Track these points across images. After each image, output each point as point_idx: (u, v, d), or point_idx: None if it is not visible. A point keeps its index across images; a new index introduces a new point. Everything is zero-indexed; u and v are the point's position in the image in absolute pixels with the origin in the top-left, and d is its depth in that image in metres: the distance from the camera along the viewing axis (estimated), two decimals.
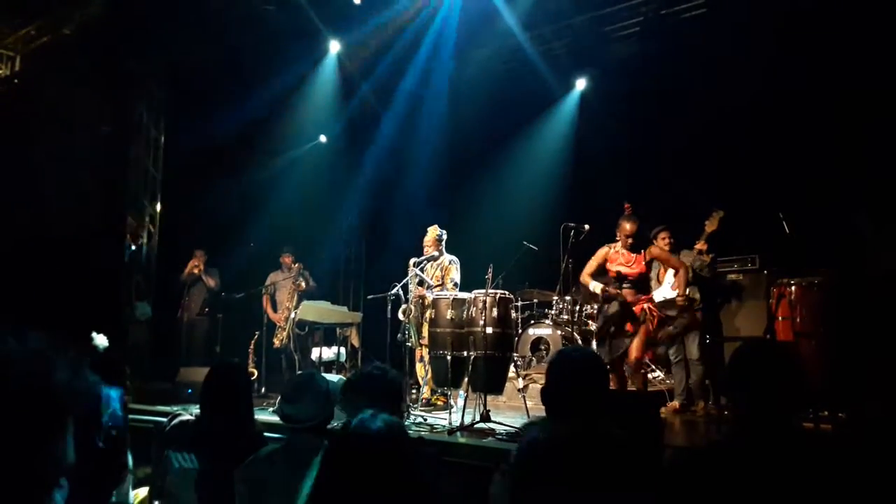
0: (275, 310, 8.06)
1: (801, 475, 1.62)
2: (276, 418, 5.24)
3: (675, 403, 6.22)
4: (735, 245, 6.58)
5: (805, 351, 4.75)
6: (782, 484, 1.61)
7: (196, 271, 8.39)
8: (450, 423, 4.97)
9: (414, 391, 6.37)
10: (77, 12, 7.23)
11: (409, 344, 6.07)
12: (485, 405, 5.04)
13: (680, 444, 4.53)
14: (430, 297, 5.99)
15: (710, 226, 6.20)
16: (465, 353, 5.40)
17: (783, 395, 1.76)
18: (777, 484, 1.61)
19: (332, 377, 5.20)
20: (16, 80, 7.24)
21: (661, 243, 6.24)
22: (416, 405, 6.03)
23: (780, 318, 4.92)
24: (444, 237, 6.44)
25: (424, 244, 6.39)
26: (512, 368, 6.15)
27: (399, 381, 2.44)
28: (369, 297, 6.64)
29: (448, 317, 5.50)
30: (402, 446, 1.51)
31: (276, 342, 7.63)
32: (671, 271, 5.99)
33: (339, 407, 2.59)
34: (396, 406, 2.39)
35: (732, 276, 6.53)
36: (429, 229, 6.46)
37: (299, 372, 6.05)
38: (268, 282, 8.17)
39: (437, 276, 6.30)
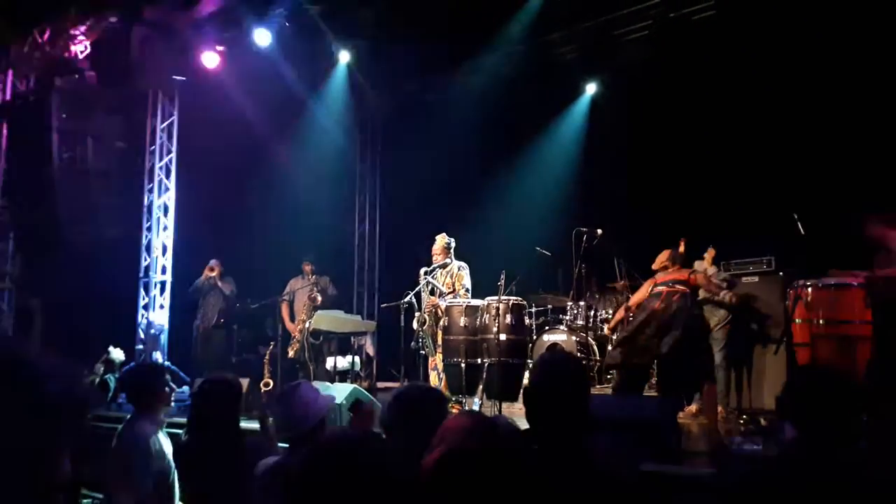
0: (292, 318, 8.02)
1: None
2: None
3: (693, 408, 6.16)
4: (750, 247, 6.53)
5: (823, 354, 4.68)
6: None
7: (212, 274, 8.34)
8: None
9: None
10: (90, 29, 7.33)
11: (424, 352, 6.06)
12: (500, 413, 5.03)
13: (697, 449, 4.49)
14: (443, 305, 5.98)
15: (707, 262, 6.22)
16: (479, 361, 5.39)
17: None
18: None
19: (346, 387, 5.17)
20: (31, 98, 7.35)
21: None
22: None
23: (796, 320, 4.85)
24: (453, 245, 6.40)
25: (433, 253, 6.36)
26: (527, 375, 6.11)
27: (444, 398, 2.40)
28: (383, 305, 6.64)
29: (461, 324, 5.50)
30: (374, 458, 1.46)
31: (291, 353, 7.57)
32: None
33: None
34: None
35: (747, 279, 6.47)
36: (437, 238, 6.43)
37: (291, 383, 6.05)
38: (287, 289, 8.11)
39: (448, 283, 6.27)
